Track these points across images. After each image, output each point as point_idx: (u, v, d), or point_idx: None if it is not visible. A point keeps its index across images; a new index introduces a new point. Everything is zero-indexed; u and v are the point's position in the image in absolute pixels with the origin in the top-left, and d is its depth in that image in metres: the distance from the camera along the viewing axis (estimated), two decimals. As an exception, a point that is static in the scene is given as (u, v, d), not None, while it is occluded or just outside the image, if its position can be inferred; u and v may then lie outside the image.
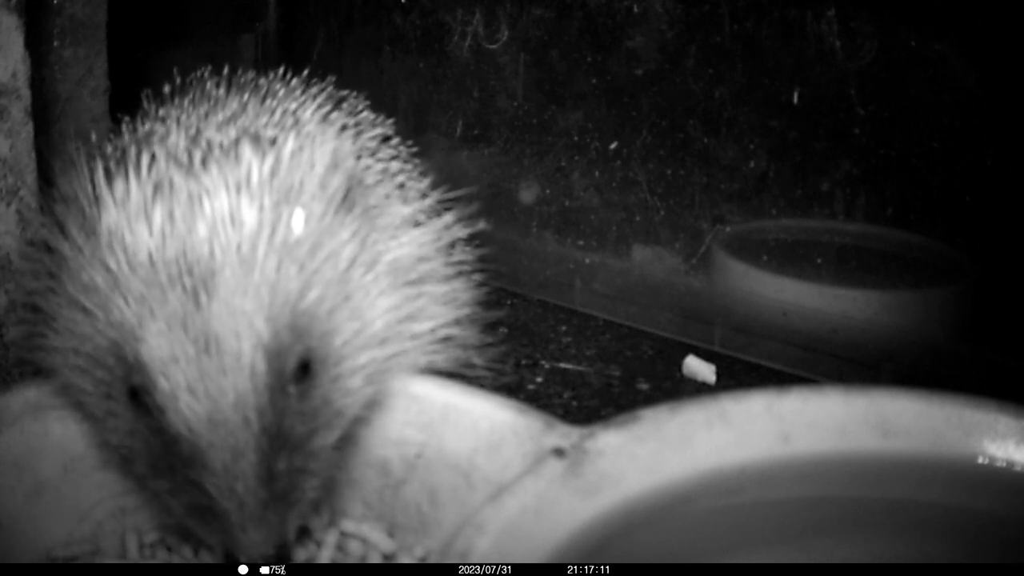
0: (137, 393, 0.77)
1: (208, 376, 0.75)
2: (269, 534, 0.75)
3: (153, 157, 0.82)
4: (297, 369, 0.78)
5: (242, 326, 0.75)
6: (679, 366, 1.43)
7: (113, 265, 0.78)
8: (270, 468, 0.75)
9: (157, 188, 0.79)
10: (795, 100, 1.44)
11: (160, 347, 0.75)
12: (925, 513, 0.83)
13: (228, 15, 2.05)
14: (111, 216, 0.79)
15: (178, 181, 0.79)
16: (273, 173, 0.81)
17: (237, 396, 0.75)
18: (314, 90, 1.10)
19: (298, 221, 0.81)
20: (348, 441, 0.87)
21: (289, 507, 0.77)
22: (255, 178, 0.80)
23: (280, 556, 0.76)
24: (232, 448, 0.74)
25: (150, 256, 0.77)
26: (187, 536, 0.88)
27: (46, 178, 1.06)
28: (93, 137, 0.98)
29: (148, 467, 0.80)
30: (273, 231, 0.79)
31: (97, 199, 0.80)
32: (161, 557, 0.90)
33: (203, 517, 0.76)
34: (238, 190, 0.79)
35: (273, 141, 0.85)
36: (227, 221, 0.78)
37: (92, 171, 0.82)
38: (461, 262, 0.99)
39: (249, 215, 0.78)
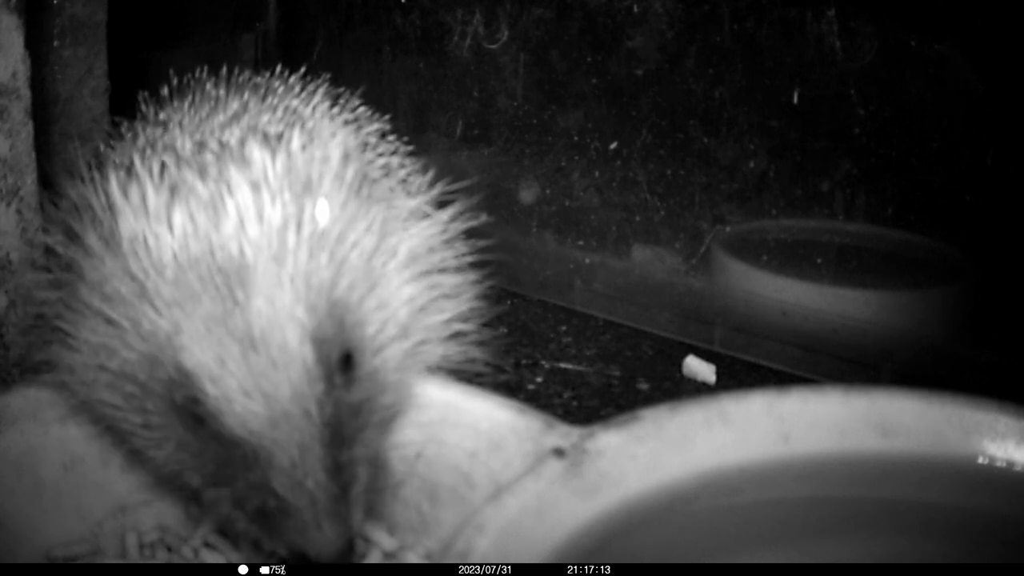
0: (183, 403, 0.75)
1: (259, 373, 0.73)
2: (342, 529, 0.73)
3: (163, 165, 0.80)
4: (341, 360, 0.77)
5: (284, 318, 0.74)
6: (679, 366, 1.43)
7: (138, 273, 0.76)
8: (335, 461, 0.74)
9: (174, 191, 0.78)
10: (795, 100, 1.44)
11: (203, 351, 0.73)
12: (925, 513, 0.82)
13: (228, 15, 2.05)
14: (130, 223, 0.78)
15: (193, 183, 0.78)
16: (288, 169, 0.81)
17: (293, 389, 0.73)
18: (313, 87, 1.11)
19: (322, 211, 0.80)
20: (385, 435, 0.86)
21: (355, 500, 0.75)
22: (271, 175, 0.80)
23: (349, 552, 0.75)
24: (298, 444, 0.72)
25: (175, 258, 0.75)
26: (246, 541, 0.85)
27: (46, 178, 1.06)
28: (100, 147, 0.98)
29: (204, 478, 0.78)
30: (299, 223, 0.78)
31: (112, 207, 0.79)
32: (161, 557, 0.90)
33: (271, 520, 0.74)
34: (256, 188, 0.78)
35: (279, 137, 0.84)
36: (252, 218, 0.77)
37: (105, 179, 0.81)
38: (465, 255, 0.99)
39: (273, 210, 0.78)
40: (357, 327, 0.80)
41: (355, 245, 0.82)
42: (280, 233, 0.77)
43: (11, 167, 1.04)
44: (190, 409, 0.75)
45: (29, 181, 1.05)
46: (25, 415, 0.89)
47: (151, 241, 0.76)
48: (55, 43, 1.38)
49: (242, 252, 0.75)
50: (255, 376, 0.73)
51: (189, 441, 0.77)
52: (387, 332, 0.84)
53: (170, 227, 0.76)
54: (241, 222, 0.76)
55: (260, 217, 0.77)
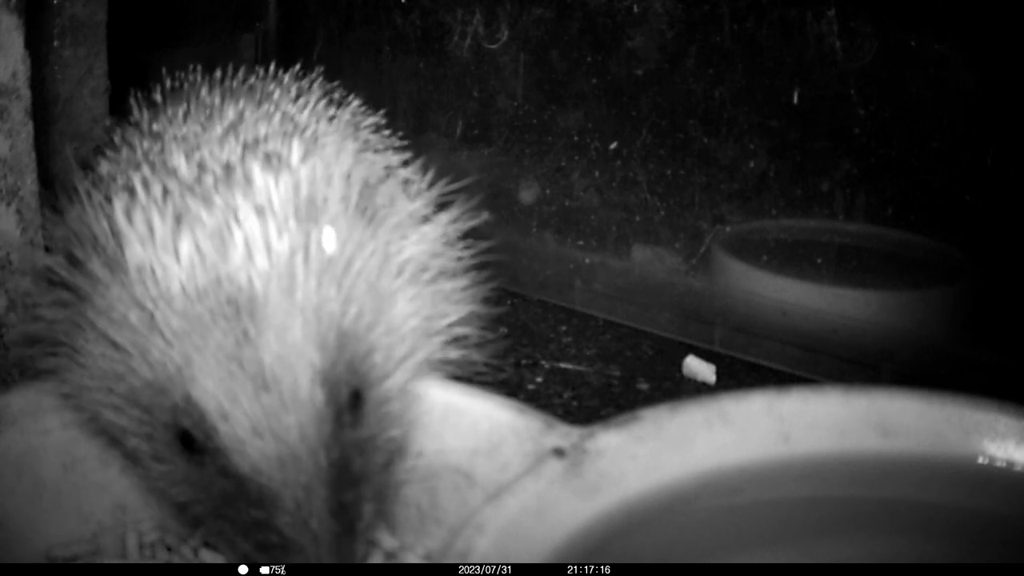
0: (190, 436, 0.75)
1: (270, 414, 0.72)
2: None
3: (166, 190, 0.79)
4: (350, 398, 0.77)
5: (295, 356, 0.73)
6: (679, 366, 1.43)
7: (146, 302, 0.75)
8: (339, 502, 0.74)
9: (178, 219, 0.77)
10: (795, 100, 1.44)
11: (214, 386, 0.73)
12: (925, 513, 0.82)
13: (228, 15, 2.05)
14: (136, 251, 0.76)
15: (197, 210, 0.77)
16: (292, 191, 0.79)
17: (301, 432, 0.73)
18: (311, 90, 1.10)
19: (329, 240, 0.79)
20: (395, 458, 0.86)
21: (357, 537, 0.76)
22: (275, 200, 0.78)
23: None
24: (304, 485, 0.72)
25: (183, 289, 0.74)
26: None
27: (46, 178, 1.05)
28: (94, 166, 0.96)
29: (209, 511, 0.78)
30: (306, 253, 0.77)
31: (116, 234, 0.77)
32: (161, 557, 0.90)
33: (273, 554, 0.74)
34: (260, 214, 0.77)
35: (279, 157, 0.83)
36: (259, 248, 0.76)
37: (108, 204, 0.79)
38: (465, 258, 0.99)
39: (280, 240, 0.76)
40: (366, 358, 0.80)
41: (361, 271, 0.81)
42: (288, 264, 0.76)
43: (11, 167, 1.04)
44: (198, 440, 0.74)
45: (29, 181, 1.05)
46: (25, 415, 0.89)
47: (159, 271, 0.75)
48: (55, 43, 1.38)
49: (251, 284, 0.74)
50: (266, 416, 0.72)
51: (193, 473, 0.77)
52: (394, 356, 0.83)
53: (177, 257, 0.75)
54: (249, 252, 0.75)
55: (267, 247, 0.76)
